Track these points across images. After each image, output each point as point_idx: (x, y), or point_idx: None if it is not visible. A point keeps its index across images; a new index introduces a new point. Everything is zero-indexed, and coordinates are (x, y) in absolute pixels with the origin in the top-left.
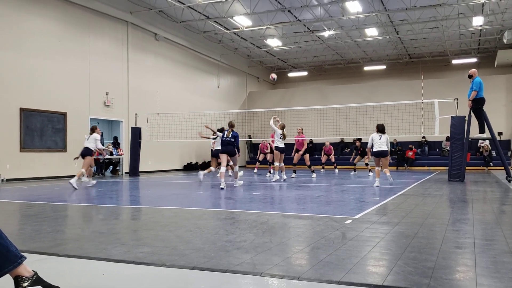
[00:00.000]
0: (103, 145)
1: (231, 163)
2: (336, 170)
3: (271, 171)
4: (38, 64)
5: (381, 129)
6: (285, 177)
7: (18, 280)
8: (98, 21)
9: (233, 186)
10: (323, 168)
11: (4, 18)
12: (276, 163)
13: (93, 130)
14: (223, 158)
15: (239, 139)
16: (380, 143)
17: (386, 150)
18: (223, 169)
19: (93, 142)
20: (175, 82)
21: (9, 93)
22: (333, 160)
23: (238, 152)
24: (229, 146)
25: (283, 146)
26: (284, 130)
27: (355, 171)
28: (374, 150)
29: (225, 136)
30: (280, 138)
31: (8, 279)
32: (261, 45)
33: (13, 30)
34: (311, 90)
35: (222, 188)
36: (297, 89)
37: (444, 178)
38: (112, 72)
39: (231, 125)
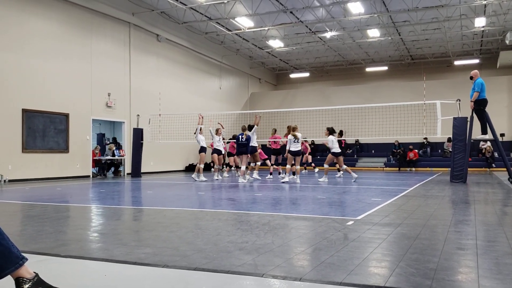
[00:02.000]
0: (105, 146)
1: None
2: (316, 170)
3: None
4: (40, 65)
5: (332, 131)
6: (298, 180)
7: (19, 282)
8: (100, 22)
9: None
10: (305, 169)
11: (7, 20)
12: (288, 166)
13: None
14: (243, 158)
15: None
16: (336, 145)
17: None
18: (243, 167)
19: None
20: (177, 83)
21: (11, 94)
22: (309, 160)
23: (255, 150)
24: (243, 147)
25: (296, 149)
26: (295, 132)
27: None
28: (333, 151)
29: (240, 139)
30: (294, 141)
31: (9, 280)
32: (263, 46)
33: (16, 32)
34: (312, 91)
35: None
36: (299, 90)
37: (446, 179)
38: (114, 73)
39: (244, 129)
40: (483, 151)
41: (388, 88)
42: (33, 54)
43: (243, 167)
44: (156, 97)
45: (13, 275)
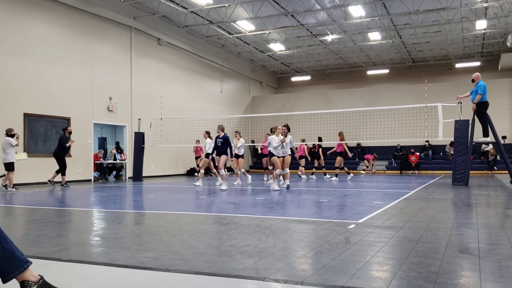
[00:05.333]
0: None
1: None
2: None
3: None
4: (42, 69)
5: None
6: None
7: (24, 285)
8: (101, 27)
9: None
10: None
11: (10, 25)
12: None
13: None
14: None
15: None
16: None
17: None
18: (222, 171)
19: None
20: (178, 87)
21: (13, 99)
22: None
23: (210, 155)
24: (221, 148)
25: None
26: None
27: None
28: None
29: (217, 142)
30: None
31: (14, 284)
32: (264, 49)
33: (18, 37)
34: (314, 95)
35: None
36: (300, 94)
37: (448, 182)
38: (115, 77)
39: (222, 129)
40: (487, 153)
41: (390, 91)
42: (35, 58)
43: (221, 171)
44: (157, 101)
45: (18, 278)
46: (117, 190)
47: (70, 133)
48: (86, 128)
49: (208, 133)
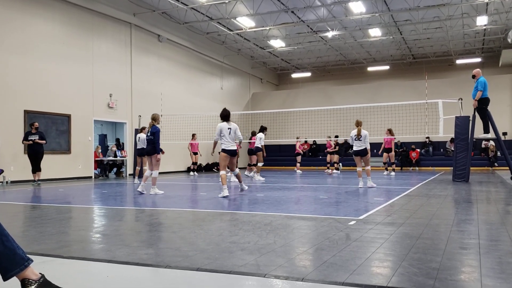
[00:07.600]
0: (108, 147)
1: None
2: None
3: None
4: (42, 66)
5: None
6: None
7: (25, 283)
8: (102, 23)
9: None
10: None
11: (10, 23)
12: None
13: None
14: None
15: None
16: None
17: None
18: (148, 172)
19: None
20: (179, 84)
21: (13, 96)
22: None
23: (161, 151)
24: (149, 146)
25: (358, 148)
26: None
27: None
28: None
29: (148, 135)
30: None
31: (14, 282)
32: (265, 46)
33: (19, 34)
34: (314, 91)
35: (140, 192)
36: (301, 90)
37: (448, 179)
38: (115, 74)
39: (152, 118)
40: (488, 150)
41: (390, 88)
42: (35, 55)
43: (147, 172)
44: (157, 98)
45: (19, 276)
46: (118, 187)
47: (37, 128)
48: (86, 125)
49: (143, 128)
